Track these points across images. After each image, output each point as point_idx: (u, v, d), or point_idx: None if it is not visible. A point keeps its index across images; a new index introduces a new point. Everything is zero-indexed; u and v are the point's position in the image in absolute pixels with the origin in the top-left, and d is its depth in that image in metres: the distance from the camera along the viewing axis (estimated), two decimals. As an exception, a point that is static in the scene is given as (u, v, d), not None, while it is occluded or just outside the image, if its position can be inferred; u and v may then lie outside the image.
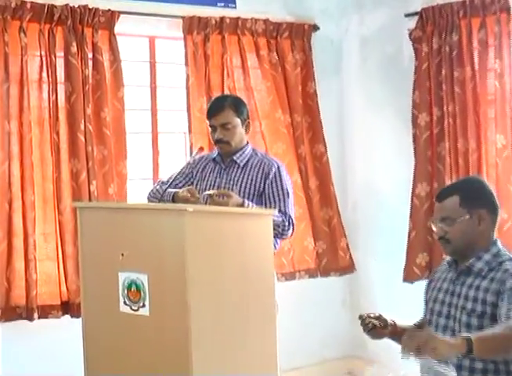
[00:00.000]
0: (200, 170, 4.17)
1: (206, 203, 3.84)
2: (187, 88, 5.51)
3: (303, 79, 5.98)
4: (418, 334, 2.42)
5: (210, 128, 4.09)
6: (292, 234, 4.03)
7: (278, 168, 4.03)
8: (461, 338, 2.47)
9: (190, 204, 3.59)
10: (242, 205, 3.73)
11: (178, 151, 5.66)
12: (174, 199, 3.87)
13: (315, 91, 6.02)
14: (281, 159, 4.87)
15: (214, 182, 4.09)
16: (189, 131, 5.52)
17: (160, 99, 5.58)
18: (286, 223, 3.89)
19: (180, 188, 4.05)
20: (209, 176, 4.12)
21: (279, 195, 3.94)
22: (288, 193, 3.98)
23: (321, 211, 5.96)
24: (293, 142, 5.87)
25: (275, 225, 3.55)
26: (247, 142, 4.14)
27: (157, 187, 4.10)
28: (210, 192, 3.75)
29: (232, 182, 3.98)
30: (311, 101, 6.01)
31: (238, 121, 4.04)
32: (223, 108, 4.00)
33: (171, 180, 4.06)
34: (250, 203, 3.85)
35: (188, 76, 5.49)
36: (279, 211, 3.89)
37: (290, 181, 4.16)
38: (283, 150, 5.83)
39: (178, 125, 5.65)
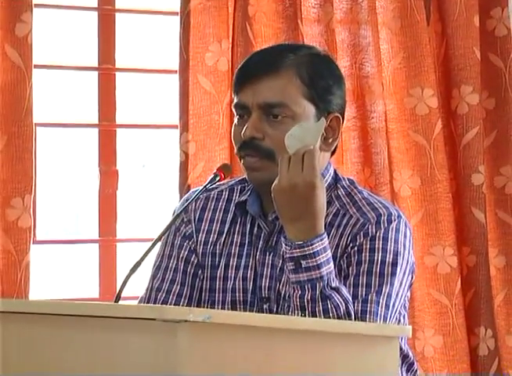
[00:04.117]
0: (211, 234, 2.38)
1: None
2: (184, 16, 3.27)
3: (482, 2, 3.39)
4: None
5: (235, 117, 2.31)
6: None
7: (387, 220, 2.25)
8: None
9: None
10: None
11: (162, 176, 3.74)
12: None
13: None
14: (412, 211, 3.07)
15: (248, 271, 2.34)
16: (185, 124, 3.28)
17: (119, 51, 3.49)
18: (352, 310, 2.12)
19: (180, 294, 2.37)
20: (235, 251, 2.35)
21: (371, 271, 2.16)
22: (393, 271, 2.17)
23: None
24: (447, 165, 3.34)
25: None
26: (329, 164, 2.36)
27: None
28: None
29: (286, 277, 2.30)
30: (499, 57, 3.42)
31: (310, 107, 2.24)
32: (277, 67, 2.26)
33: (157, 282, 2.37)
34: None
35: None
36: (357, 295, 2.17)
37: (412, 257, 2.25)
38: (418, 185, 3.29)
39: (159, 113, 3.72)
